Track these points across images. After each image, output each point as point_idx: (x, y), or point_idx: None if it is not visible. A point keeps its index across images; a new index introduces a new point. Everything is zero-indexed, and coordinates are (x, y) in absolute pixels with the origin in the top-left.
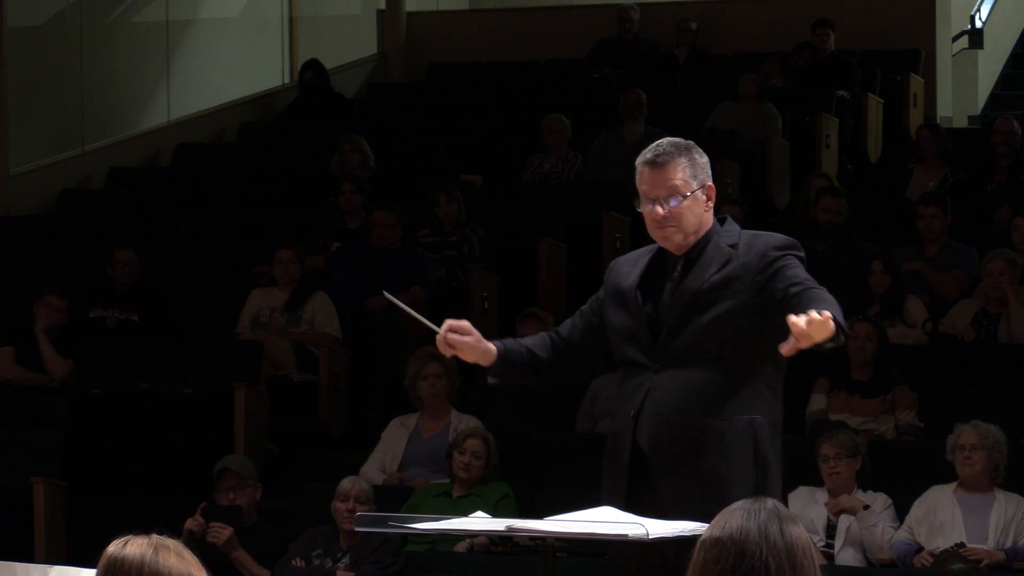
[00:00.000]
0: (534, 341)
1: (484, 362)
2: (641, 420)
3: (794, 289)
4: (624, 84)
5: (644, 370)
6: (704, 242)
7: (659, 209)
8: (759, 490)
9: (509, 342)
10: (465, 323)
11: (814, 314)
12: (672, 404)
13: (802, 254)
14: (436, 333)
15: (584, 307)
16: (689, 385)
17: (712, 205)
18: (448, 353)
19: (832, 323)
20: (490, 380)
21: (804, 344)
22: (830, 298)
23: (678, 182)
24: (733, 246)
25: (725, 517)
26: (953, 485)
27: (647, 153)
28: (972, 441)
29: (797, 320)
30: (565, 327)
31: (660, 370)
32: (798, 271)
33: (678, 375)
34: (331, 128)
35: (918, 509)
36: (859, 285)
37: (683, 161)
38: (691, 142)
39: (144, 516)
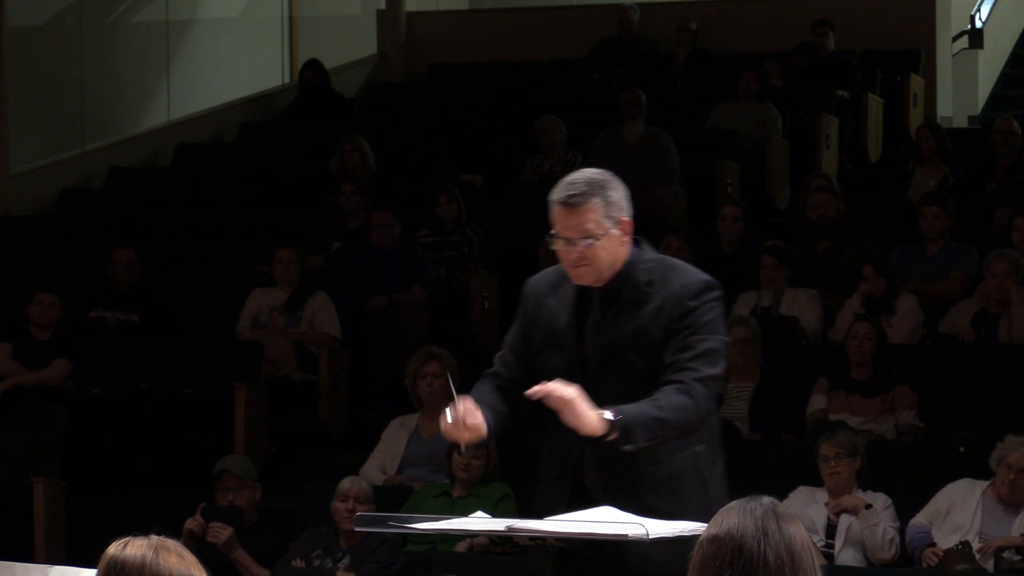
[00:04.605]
0: (491, 396)
1: (481, 439)
2: (586, 467)
3: (675, 359)
4: (624, 84)
5: None
6: (622, 277)
7: (572, 250)
8: (710, 514)
9: (485, 414)
10: (470, 408)
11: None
12: (613, 453)
13: (719, 294)
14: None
15: (511, 339)
16: None
17: (629, 239)
18: (463, 438)
19: (577, 412)
20: (468, 454)
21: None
22: (672, 402)
23: (591, 225)
24: (649, 283)
25: (722, 515)
26: (983, 485)
27: (560, 191)
28: (1022, 465)
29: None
30: (501, 368)
31: None
32: (702, 334)
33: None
34: (331, 128)
35: (942, 498)
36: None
37: (597, 201)
38: (607, 176)
39: (144, 516)
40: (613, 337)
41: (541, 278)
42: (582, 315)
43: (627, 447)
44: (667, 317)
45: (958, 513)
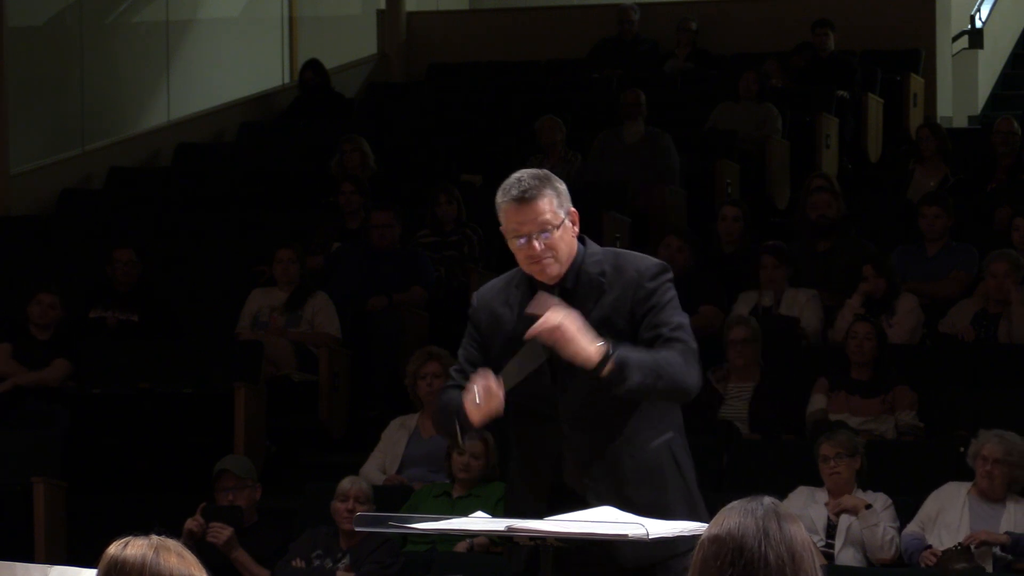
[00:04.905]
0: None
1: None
2: (567, 470)
3: (654, 333)
4: (624, 84)
5: (550, 419)
6: (575, 270)
7: (535, 244)
8: (690, 502)
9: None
10: (492, 380)
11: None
12: (594, 450)
13: (671, 275)
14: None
15: (469, 354)
16: (604, 428)
17: (577, 230)
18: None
19: (567, 335)
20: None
21: (566, 351)
22: (666, 356)
23: (548, 216)
24: (602, 273)
25: (723, 515)
26: (968, 485)
27: (511, 190)
28: (997, 455)
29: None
30: (464, 378)
31: (567, 416)
32: (669, 311)
33: (590, 421)
34: (331, 128)
35: (931, 503)
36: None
37: (549, 192)
38: (547, 171)
39: (144, 516)
40: None
41: (487, 290)
42: (538, 317)
43: (620, 385)
44: (629, 303)
45: (947, 516)
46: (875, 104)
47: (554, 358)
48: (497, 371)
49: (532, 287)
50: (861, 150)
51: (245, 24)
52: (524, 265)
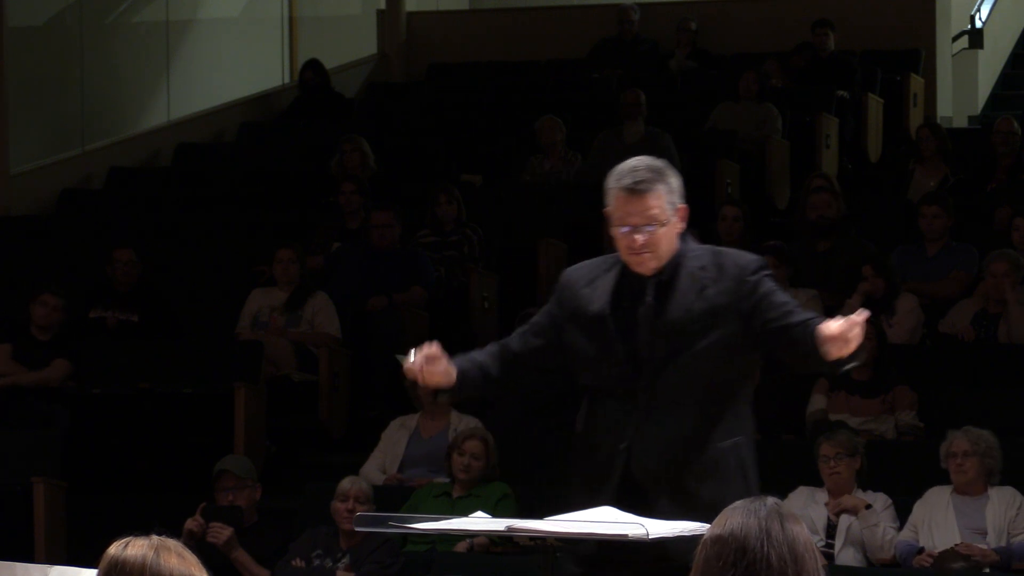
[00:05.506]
0: (487, 358)
1: (445, 385)
2: (634, 454)
3: (794, 317)
4: (624, 84)
5: (626, 402)
6: (675, 264)
7: (637, 237)
8: None
9: (465, 363)
10: (434, 350)
11: (853, 317)
12: (667, 439)
13: (770, 270)
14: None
15: (537, 319)
16: (682, 418)
17: (684, 226)
18: (420, 380)
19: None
20: (442, 399)
21: (839, 350)
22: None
23: (655, 211)
24: (703, 268)
25: (726, 516)
26: (951, 487)
27: (624, 178)
28: (964, 448)
29: (834, 327)
30: (516, 341)
31: (648, 404)
32: (781, 296)
33: (669, 409)
34: (331, 128)
35: (919, 510)
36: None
37: (661, 188)
38: (664, 162)
39: (144, 516)
40: (679, 318)
41: (577, 269)
42: (626, 304)
43: (850, 363)
44: (734, 297)
45: (935, 518)
46: (875, 104)
47: (637, 340)
48: (565, 345)
49: (624, 275)
50: (861, 150)
51: (245, 24)
52: (623, 253)
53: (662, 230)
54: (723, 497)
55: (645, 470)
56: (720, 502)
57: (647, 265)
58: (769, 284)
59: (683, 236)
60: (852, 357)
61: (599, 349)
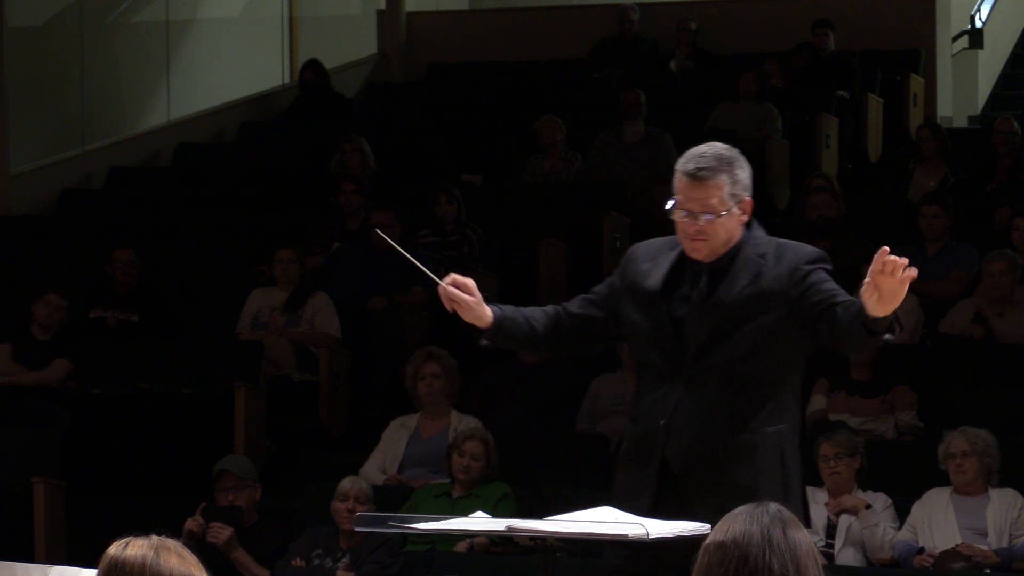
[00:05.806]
0: (536, 314)
1: (481, 324)
2: (671, 432)
3: (840, 299)
4: (624, 84)
5: (670, 379)
6: (733, 252)
7: (692, 223)
8: (784, 495)
9: (509, 310)
10: (470, 281)
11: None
12: (704, 419)
13: (831, 267)
14: (438, 284)
15: (599, 288)
16: (721, 399)
17: (747, 218)
18: (449, 307)
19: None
20: (482, 342)
21: (887, 304)
22: None
23: (714, 201)
24: (762, 256)
25: (728, 522)
26: (950, 488)
27: (689, 162)
28: (962, 448)
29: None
30: (575, 305)
31: (690, 382)
32: (832, 284)
33: (709, 389)
34: (331, 128)
35: (918, 511)
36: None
37: (724, 178)
38: (735, 153)
39: (144, 516)
40: (728, 301)
41: (644, 245)
42: (679, 283)
43: (883, 335)
44: (785, 284)
45: (935, 519)
46: (875, 104)
47: (686, 319)
48: (622, 316)
49: (684, 256)
50: (861, 150)
51: (245, 24)
52: (679, 236)
53: (719, 220)
54: (757, 483)
55: (680, 448)
56: (754, 487)
57: (699, 252)
58: (821, 275)
59: (748, 225)
60: (891, 327)
61: (651, 326)
